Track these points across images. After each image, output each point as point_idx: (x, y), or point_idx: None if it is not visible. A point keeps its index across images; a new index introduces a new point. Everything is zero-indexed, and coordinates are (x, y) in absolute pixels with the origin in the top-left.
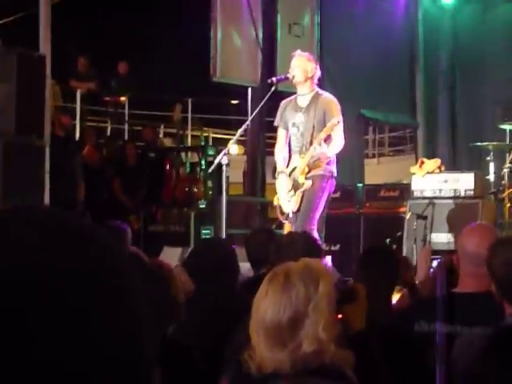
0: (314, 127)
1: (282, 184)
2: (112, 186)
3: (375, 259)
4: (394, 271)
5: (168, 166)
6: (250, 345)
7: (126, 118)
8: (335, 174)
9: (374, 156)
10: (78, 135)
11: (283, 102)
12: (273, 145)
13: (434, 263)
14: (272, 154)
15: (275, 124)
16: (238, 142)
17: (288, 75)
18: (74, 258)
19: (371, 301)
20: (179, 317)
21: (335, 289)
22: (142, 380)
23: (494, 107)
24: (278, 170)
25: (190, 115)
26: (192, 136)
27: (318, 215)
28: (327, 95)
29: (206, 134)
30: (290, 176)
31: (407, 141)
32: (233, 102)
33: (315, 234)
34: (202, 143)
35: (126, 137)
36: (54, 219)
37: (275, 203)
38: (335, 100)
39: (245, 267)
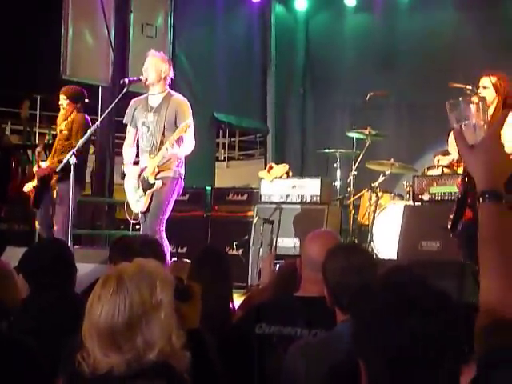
0: (164, 127)
1: (129, 183)
2: None
3: (208, 259)
4: (226, 271)
5: (14, 164)
6: (85, 346)
7: None
8: (183, 176)
9: (224, 159)
10: None
11: (133, 100)
12: (122, 145)
13: (277, 267)
14: (121, 154)
15: (124, 122)
16: None
17: (141, 77)
18: None
19: (207, 300)
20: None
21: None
22: None
23: (343, 115)
24: (125, 162)
25: (38, 112)
26: (40, 134)
27: (166, 216)
28: (179, 96)
29: (54, 132)
30: (139, 176)
31: (257, 145)
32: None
33: (163, 236)
34: (50, 141)
35: None
36: None
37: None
38: (187, 102)
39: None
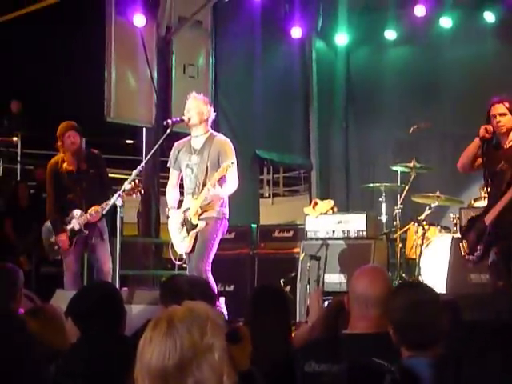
0: (207, 168)
1: (173, 224)
2: (3, 227)
3: (265, 299)
4: (285, 310)
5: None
6: None
7: (19, 158)
8: (227, 216)
9: (268, 196)
10: None
11: (177, 143)
12: (166, 185)
13: (326, 304)
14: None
15: (168, 165)
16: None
17: (183, 117)
18: None
19: (265, 340)
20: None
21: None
22: None
23: (386, 149)
24: (169, 206)
25: None
26: None
27: (211, 257)
28: (221, 137)
29: None
30: (183, 217)
31: (301, 181)
32: (127, 141)
33: (210, 276)
34: None
35: (19, 177)
36: None
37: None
38: (229, 141)
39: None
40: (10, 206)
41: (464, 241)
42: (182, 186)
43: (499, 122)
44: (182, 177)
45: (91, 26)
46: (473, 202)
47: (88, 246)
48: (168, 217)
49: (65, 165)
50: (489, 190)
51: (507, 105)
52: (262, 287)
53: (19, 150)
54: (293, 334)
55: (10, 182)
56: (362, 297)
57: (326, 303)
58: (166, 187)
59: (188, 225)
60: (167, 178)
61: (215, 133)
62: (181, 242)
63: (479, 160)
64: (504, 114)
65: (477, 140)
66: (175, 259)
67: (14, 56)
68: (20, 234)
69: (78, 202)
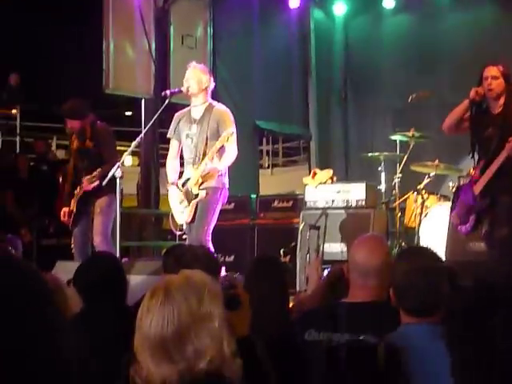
0: (207, 138)
1: (174, 195)
2: (3, 199)
3: (262, 269)
4: (282, 280)
5: (61, 179)
6: (137, 360)
7: (18, 131)
8: (227, 186)
9: (268, 167)
10: None
11: (177, 114)
12: (166, 156)
13: (325, 273)
14: (165, 165)
15: (168, 136)
16: (132, 153)
17: (182, 88)
18: None
19: (262, 310)
20: None
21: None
22: None
23: (385, 118)
24: (169, 181)
25: None
26: None
27: (212, 227)
28: (221, 106)
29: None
30: (183, 187)
31: (301, 151)
32: (126, 113)
33: (210, 246)
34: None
35: (18, 149)
36: None
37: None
38: (229, 111)
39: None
40: (10, 179)
41: (454, 211)
42: (182, 157)
43: (490, 84)
44: (182, 147)
45: None
46: (472, 170)
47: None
48: (168, 189)
49: (73, 144)
50: (476, 156)
51: (501, 68)
52: (258, 257)
53: (18, 123)
54: (291, 304)
55: (9, 154)
56: (361, 266)
57: (326, 272)
58: (165, 159)
59: (188, 195)
60: (166, 149)
61: (215, 102)
62: (181, 212)
63: (466, 123)
64: (496, 78)
65: (466, 102)
66: (176, 230)
67: (13, 29)
68: (20, 207)
69: (79, 179)
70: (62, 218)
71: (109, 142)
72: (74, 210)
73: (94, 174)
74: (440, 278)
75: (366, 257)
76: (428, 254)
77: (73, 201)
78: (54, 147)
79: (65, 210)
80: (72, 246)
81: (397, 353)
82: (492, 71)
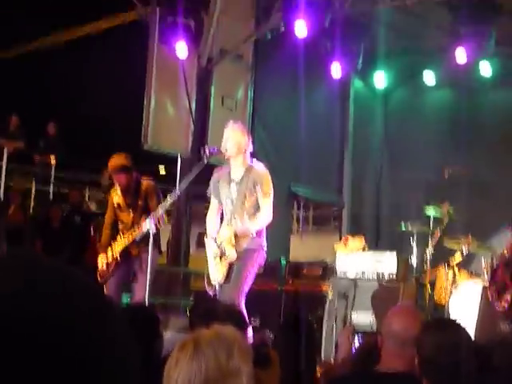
0: (245, 199)
1: (210, 248)
2: (32, 247)
3: (292, 326)
4: (312, 339)
5: (93, 231)
6: None
7: (52, 180)
8: (265, 248)
9: (297, 232)
10: (2, 195)
11: (216, 174)
12: (197, 215)
13: (356, 342)
14: (197, 224)
15: (208, 194)
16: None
17: (221, 149)
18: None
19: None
20: None
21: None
22: None
23: (419, 191)
24: (208, 234)
25: None
26: None
27: (246, 288)
28: (260, 168)
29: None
30: (218, 244)
31: (331, 219)
32: (161, 172)
33: (243, 306)
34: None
35: (51, 198)
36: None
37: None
38: (267, 173)
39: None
40: (41, 228)
41: (492, 287)
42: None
43: None
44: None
45: (134, 53)
46: (505, 251)
47: (130, 274)
48: (198, 245)
49: (116, 198)
50: None
51: None
52: (293, 316)
53: (53, 172)
54: (319, 370)
55: (44, 204)
56: (399, 335)
57: (356, 340)
58: (196, 218)
59: (222, 252)
60: (199, 208)
61: (255, 162)
62: (216, 270)
63: None
64: None
65: None
66: (209, 289)
67: (54, 79)
68: (50, 256)
69: (121, 232)
70: (100, 268)
71: (155, 198)
72: (119, 258)
73: (135, 228)
74: (467, 354)
75: (405, 326)
76: (457, 328)
77: (114, 251)
78: (87, 199)
79: (103, 260)
80: None
81: None
82: None
